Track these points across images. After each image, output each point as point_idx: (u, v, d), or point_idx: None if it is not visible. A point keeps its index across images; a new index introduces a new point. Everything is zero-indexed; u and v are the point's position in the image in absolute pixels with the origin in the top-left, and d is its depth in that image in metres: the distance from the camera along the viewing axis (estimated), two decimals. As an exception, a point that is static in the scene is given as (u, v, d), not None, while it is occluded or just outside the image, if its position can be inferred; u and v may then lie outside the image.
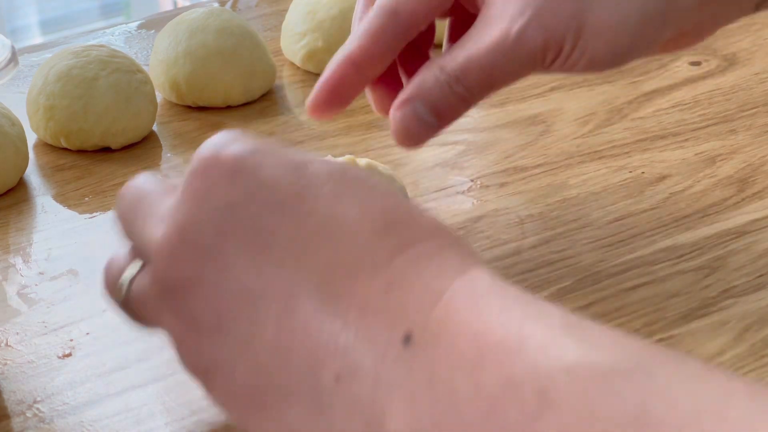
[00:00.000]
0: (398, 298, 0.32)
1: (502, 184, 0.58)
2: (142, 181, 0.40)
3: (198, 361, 0.36)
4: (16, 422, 0.42)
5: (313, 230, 0.34)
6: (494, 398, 0.29)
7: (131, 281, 0.39)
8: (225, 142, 0.37)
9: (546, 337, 0.30)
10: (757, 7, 0.46)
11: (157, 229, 0.36)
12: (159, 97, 0.67)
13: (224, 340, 0.35)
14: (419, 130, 0.45)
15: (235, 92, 0.66)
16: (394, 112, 0.45)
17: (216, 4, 0.79)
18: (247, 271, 0.34)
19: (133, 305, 0.39)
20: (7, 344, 0.46)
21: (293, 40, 0.71)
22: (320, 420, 0.34)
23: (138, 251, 0.39)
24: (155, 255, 0.36)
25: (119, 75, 0.62)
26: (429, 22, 0.46)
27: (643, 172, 0.58)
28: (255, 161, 0.36)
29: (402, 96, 0.45)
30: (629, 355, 0.29)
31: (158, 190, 0.39)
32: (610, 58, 0.45)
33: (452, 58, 0.44)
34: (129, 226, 0.39)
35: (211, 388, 0.36)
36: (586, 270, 0.50)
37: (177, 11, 0.74)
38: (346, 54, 0.46)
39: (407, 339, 0.32)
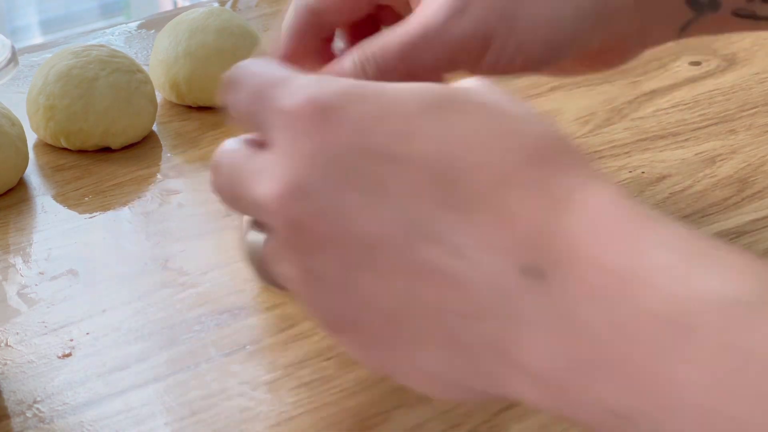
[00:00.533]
0: (519, 232, 0.32)
1: (502, 184, 0.57)
2: (229, 148, 0.39)
3: (327, 317, 0.36)
4: (16, 422, 0.42)
5: (423, 171, 0.34)
6: (632, 335, 0.29)
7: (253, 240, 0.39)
8: (313, 88, 0.36)
9: (682, 267, 0.29)
10: (681, 33, 0.47)
11: (264, 188, 0.36)
12: (159, 97, 0.67)
13: (350, 295, 0.35)
14: None
15: (235, 92, 0.66)
16: None
17: (216, 4, 0.79)
18: (366, 221, 0.34)
19: (260, 263, 0.39)
20: (7, 344, 0.46)
21: (293, 40, 0.71)
22: (452, 358, 0.34)
23: (251, 211, 0.38)
24: (272, 218, 0.36)
25: (119, 75, 0.62)
26: (351, 20, 0.47)
27: (643, 172, 0.58)
28: (349, 107, 0.35)
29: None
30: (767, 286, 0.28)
31: (246, 152, 0.38)
32: (545, 54, 0.44)
33: (374, 42, 0.43)
34: (233, 199, 0.39)
35: (342, 341, 0.37)
36: (586, 270, 0.50)
37: (177, 11, 0.74)
38: (276, 55, 0.46)
39: (533, 271, 0.32)
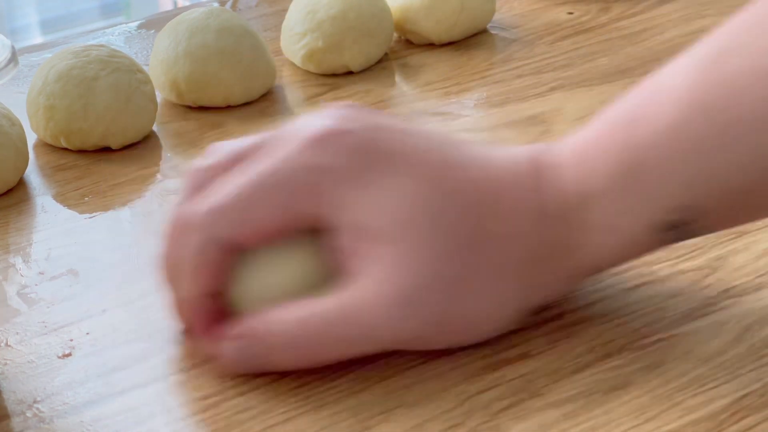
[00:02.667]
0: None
1: (502, 184, 0.57)
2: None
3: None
4: (16, 422, 0.42)
5: None
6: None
7: None
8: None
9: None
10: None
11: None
12: (159, 97, 0.67)
13: None
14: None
15: (235, 92, 0.66)
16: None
17: (216, 4, 0.79)
18: None
19: None
20: (7, 344, 0.46)
21: (293, 40, 0.71)
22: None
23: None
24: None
25: (119, 75, 0.62)
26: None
27: (643, 172, 0.58)
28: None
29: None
30: None
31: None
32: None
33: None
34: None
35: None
36: (586, 270, 0.50)
37: (177, 11, 0.74)
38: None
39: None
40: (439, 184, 0.43)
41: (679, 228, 0.43)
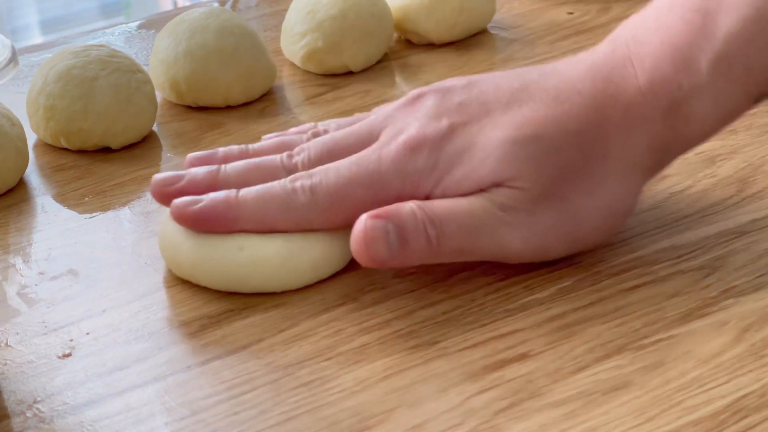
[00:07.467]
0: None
1: (502, 184, 0.57)
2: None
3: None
4: (16, 422, 0.42)
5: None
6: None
7: None
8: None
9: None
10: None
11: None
12: (159, 97, 0.67)
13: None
14: (381, 249, 0.46)
15: (235, 92, 0.66)
16: (367, 219, 0.46)
17: (216, 4, 0.79)
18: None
19: None
20: (7, 344, 0.46)
21: (293, 40, 0.71)
22: None
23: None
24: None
25: (119, 75, 0.62)
26: None
27: (643, 172, 0.58)
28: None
29: (374, 211, 0.46)
30: None
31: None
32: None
33: (436, 205, 0.47)
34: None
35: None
36: (586, 270, 0.50)
37: (177, 11, 0.74)
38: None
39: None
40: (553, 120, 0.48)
41: None
